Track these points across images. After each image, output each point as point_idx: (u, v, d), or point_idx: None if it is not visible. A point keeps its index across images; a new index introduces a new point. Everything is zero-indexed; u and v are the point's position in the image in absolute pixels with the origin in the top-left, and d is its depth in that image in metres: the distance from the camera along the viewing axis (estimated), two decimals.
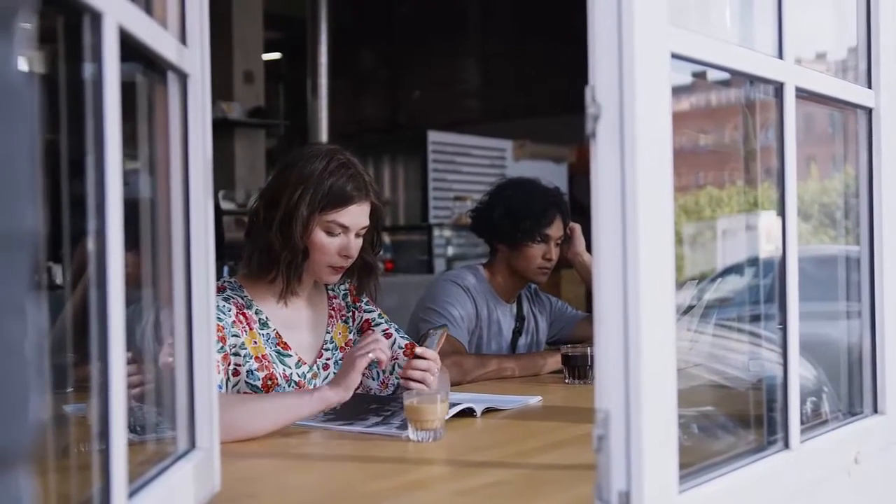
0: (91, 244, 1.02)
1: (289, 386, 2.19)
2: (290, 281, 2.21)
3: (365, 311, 2.40)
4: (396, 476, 1.65)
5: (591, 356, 2.63)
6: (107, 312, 1.01)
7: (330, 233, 2.18)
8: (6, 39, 0.59)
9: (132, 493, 1.10)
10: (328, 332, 2.33)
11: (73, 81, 1.04)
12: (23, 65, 0.61)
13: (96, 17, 0.99)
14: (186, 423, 1.37)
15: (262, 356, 2.17)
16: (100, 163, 1.01)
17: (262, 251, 2.19)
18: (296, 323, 2.27)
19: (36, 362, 0.61)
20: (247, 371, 2.14)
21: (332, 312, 2.36)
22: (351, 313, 2.39)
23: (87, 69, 1.02)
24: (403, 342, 2.36)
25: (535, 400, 2.34)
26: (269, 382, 2.16)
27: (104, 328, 1.01)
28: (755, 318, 1.91)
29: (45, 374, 0.63)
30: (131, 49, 1.11)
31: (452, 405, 2.02)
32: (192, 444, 1.37)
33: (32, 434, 0.61)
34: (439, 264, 7.36)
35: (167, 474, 1.25)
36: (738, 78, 1.58)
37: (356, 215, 2.20)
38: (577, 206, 3.58)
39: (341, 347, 2.34)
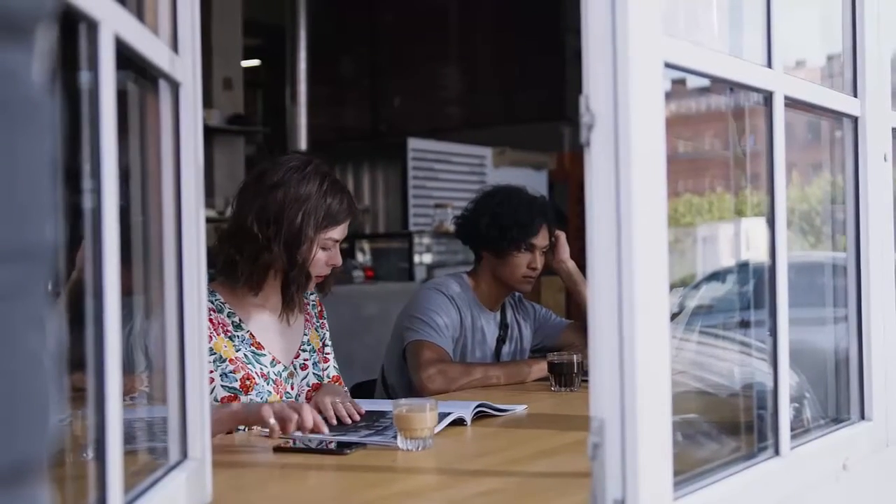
0: (86, 252, 1.01)
1: (267, 384, 2.25)
2: (297, 299, 2.30)
3: (326, 329, 2.51)
4: (387, 485, 1.65)
5: (578, 363, 2.63)
6: (103, 322, 1.00)
7: (324, 248, 2.28)
8: (25, 52, 0.59)
9: None
10: (305, 335, 2.41)
11: (68, 89, 1.04)
12: (42, 76, 0.61)
13: (93, 26, 0.99)
14: (178, 434, 1.36)
15: (236, 358, 2.22)
16: (96, 171, 1.00)
17: (262, 269, 2.24)
18: (272, 325, 2.33)
19: (54, 374, 0.60)
20: (221, 375, 2.19)
21: (308, 316, 2.44)
22: (320, 323, 2.49)
23: (83, 77, 1.01)
24: (333, 373, 2.46)
25: (521, 408, 2.34)
26: (248, 382, 2.22)
27: (100, 338, 1.00)
28: (739, 325, 1.92)
29: (62, 386, 0.63)
30: (124, 57, 1.11)
31: (442, 415, 2.02)
32: (184, 455, 1.36)
33: (51, 447, 0.61)
34: (420, 272, 7.34)
35: (160, 485, 1.24)
36: (719, 85, 1.59)
37: (345, 229, 2.32)
38: (558, 214, 3.59)
39: (318, 350, 2.43)
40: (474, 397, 2.47)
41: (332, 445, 1.87)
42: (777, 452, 1.51)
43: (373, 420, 2.13)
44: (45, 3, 0.61)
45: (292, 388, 2.32)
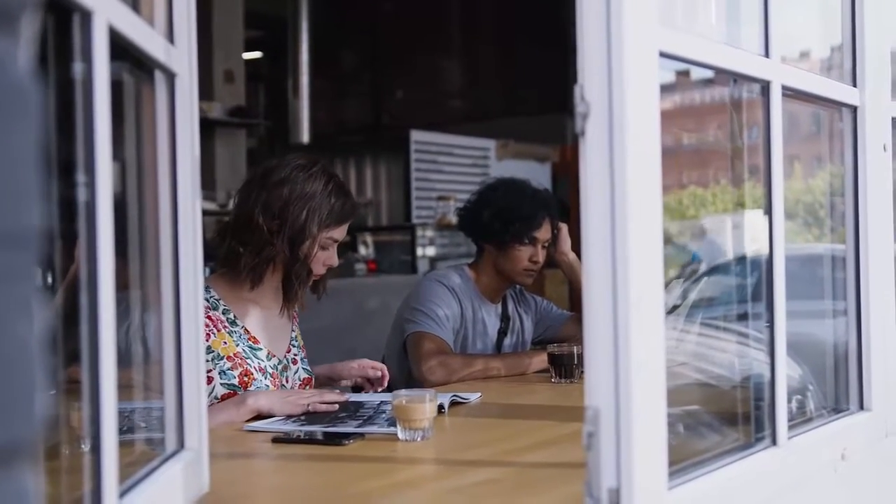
0: (81, 246, 1.01)
1: (264, 378, 2.27)
2: (299, 294, 2.35)
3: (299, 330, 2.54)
4: (386, 475, 1.65)
5: (578, 355, 2.63)
6: (97, 314, 1.00)
7: (323, 247, 2.31)
8: (11, 39, 0.59)
9: (122, 494, 1.09)
10: (293, 331, 2.45)
11: (61, 80, 1.04)
12: (27, 63, 0.61)
13: (86, 16, 0.99)
14: (175, 424, 1.36)
15: (235, 354, 2.25)
16: (90, 164, 1.00)
17: (264, 262, 2.27)
18: (264, 321, 2.36)
19: (41, 359, 0.61)
20: (219, 372, 2.21)
21: (294, 314, 2.48)
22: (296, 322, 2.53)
23: (77, 68, 1.01)
24: (304, 375, 2.45)
25: (475, 396, 2.36)
26: (246, 378, 2.24)
27: (95, 330, 1.00)
28: (740, 317, 1.92)
29: (49, 372, 0.63)
30: (119, 48, 1.11)
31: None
32: (181, 445, 1.37)
33: (38, 430, 0.62)
34: (422, 265, 7.35)
35: (156, 474, 1.25)
36: (722, 76, 1.59)
37: (345, 230, 2.36)
38: (562, 206, 3.60)
39: (301, 347, 2.47)
40: (474, 389, 2.48)
41: (331, 436, 1.88)
42: (774, 442, 1.51)
43: (354, 410, 2.14)
44: None
45: (287, 382, 2.35)
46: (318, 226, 2.27)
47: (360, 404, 2.20)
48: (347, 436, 1.87)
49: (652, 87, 1.21)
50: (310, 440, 1.87)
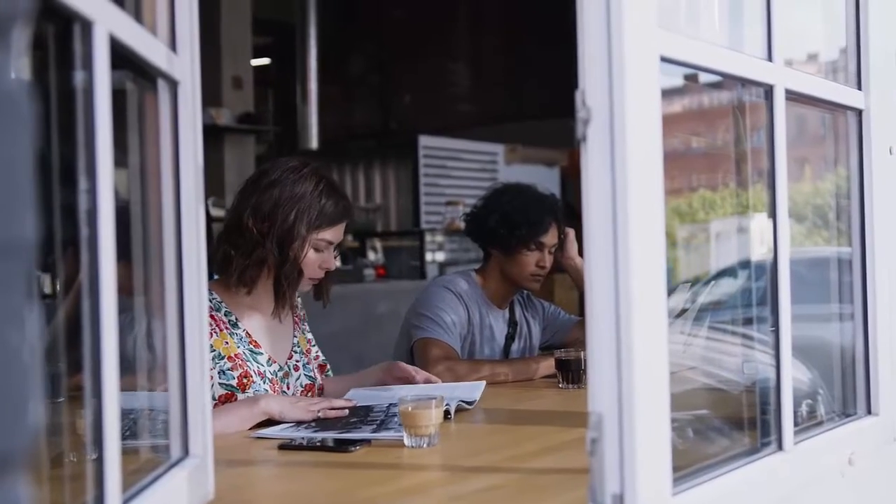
0: (83, 253, 1.01)
1: (263, 382, 2.28)
2: (288, 296, 2.33)
3: (308, 332, 2.54)
4: (391, 482, 1.65)
5: (585, 360, 2.62)
6: (100, 321, 1.00)
7: (317, 249, 2.31)
8: (3, 48, 0.59)
9: (126, 501, 1.09)
10: (295, 336, 2.45)
11: (63, 89, 1.04)
12: (20, 73, 0.61)
13: (87, 26, 0.99)
14: (179, 431, 1.36)
15: (235, 355, 2.25)
16: (91, 171, 1.01)
17: (255, 265, 2.27)
18: (265, 326, 2.37)
19: (34, 369, 0.61)
20: (219, 372, 2.22)
21: (297, 319, 2.49)
22: (305, 325, 2.53)
23: (78, 77, 1.02)
24: (306, 381, 2.45)
25: (479, 390, 2.38)
26: (245, 380, 2.24)
27: (97, 337, 1.00)
28: (748, 321, 1.91)
29: (42, 381, 0.63)
30: (121, 56, 1.11)
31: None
32: (186, 452, 1.37)
33: (31, 440, 0.62)
34: (431, 270, 7.34)
35: (161, 482, 1.25)
36: (730, 80, 1.58)
37: (340, 232, 2.36)
38: (570, 211, 3.57)
39: (305, 353, 2.47)
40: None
41: (337, 443, 1.88)
42: (780, 447, 1.51)
43: (364, 415, 2.14)
44: (22, 2, 0.62)
45: (288, 388, 2.35)
46: (308, 227, 2.27)
47: (368, 409, 2.20)
48: (354, 442, 1.86)
49: (653, 92, 1.21)
50: (316, 447, 1.87)
